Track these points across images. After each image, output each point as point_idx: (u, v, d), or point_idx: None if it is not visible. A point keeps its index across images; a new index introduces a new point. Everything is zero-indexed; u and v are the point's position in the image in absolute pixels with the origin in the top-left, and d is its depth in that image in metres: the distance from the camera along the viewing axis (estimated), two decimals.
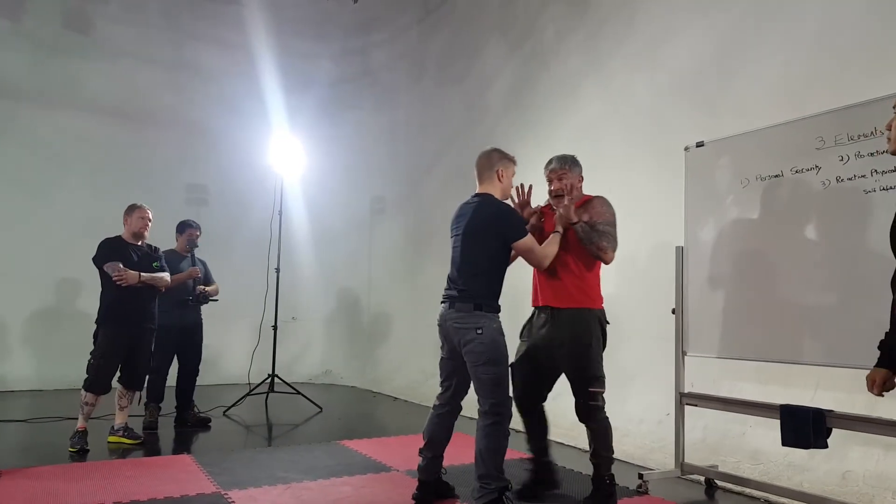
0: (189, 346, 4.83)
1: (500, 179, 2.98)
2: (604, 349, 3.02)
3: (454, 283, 2.91)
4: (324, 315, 8.10)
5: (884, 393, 1.88)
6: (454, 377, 2.94)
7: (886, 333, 1.92)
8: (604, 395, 2.96)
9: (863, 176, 2.69)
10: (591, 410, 2.93)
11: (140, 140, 7.12)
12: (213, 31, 7.64)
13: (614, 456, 3.01)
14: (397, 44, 8.08)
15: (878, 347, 1.92)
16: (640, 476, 3.24)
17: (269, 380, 5.74)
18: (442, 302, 2.95)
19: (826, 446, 2.68)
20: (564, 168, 3.11)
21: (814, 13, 3.70)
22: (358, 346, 7.93)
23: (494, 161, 2.99)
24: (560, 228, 2.97)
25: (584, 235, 2.96)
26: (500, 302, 2.92)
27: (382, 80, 8.21)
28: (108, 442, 4.07)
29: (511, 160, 3.04)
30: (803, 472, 3.17)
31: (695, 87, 4.40)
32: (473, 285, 2.84)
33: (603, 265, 3.09)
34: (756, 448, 3.43)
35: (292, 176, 6.80)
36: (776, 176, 3.04)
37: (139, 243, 4.18)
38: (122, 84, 7.11)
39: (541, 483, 3.12)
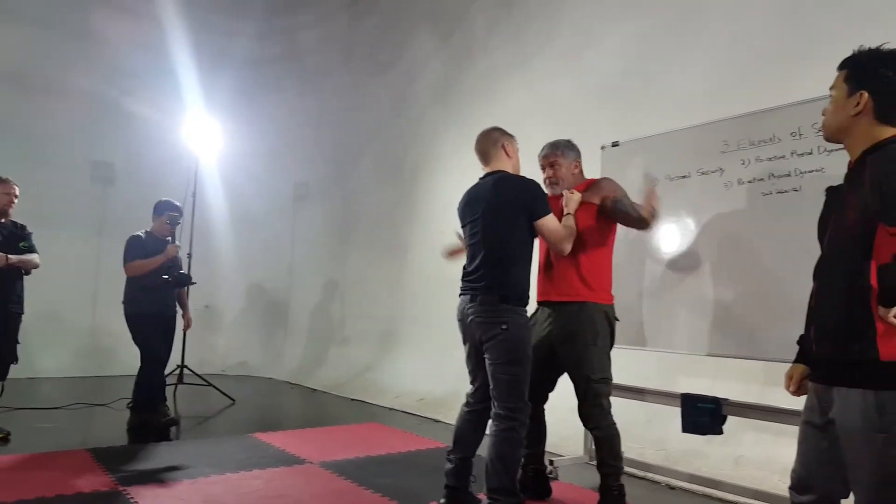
0: (166, 336, 4.35)
1: (508, 155, 2.69)
2: (612, 347, 2.83)
3: (477, 272, 2.57)
4: (240, 304, 7.81)
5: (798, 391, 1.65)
6: (480, 374, 2.61)
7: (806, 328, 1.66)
8: (609, 398, 2.77)
9: (761, 179, 2.86)
10: (594, 415, 2.74)
11: (37, 110, 6.56)
12: None
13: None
14: (326, 27, 7.87)
15: (797, 342, 1.70)
16: (551, 462, 3.32)
17: (177, 371, 5.49)
18: (461, 294, 2.64)
19: (721, 432, 2.84)
20: (556, 154, 2.91)
21: (725, 26, 3.93)
22: (276, 337, 7.71)
23: (497, 137, 2.71)
24: (570, 211, 2.70)
25: (616, 206, 2.77)
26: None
27: (309, 63, 7.97)
28: None
29: (513, 136, 2.76)
30: (701, 457, 3.36)
31: (615, 88, 4.55)
32: (499, 274, 2.51)
33: (606, 261, 2.87)
34: (659, 435, 3.61)
35: (209, 157, 6.50)
36: (684, 177, 3.18)
37: (3, 221, 3.82)
38: (19, 48, 6.51)
39: (532, 490, 2.90)
